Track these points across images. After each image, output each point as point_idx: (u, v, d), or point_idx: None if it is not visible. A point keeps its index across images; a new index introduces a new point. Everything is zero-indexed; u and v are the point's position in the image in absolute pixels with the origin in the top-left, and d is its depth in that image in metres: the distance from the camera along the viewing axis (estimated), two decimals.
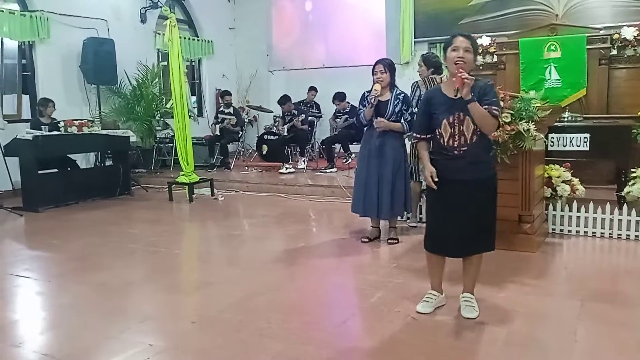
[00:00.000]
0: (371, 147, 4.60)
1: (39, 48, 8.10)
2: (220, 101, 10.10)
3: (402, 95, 4.58)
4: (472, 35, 3.05)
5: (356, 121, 4.87)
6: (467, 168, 2.92)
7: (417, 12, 9.86)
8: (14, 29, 7.61)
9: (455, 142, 2.93)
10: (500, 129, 4.06)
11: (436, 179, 2.97)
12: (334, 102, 9.25)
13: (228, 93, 9.86)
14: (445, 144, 2.96)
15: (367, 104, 4.56)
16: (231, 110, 9.68)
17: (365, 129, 4.76)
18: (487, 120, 2.87)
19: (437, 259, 3.16)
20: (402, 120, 4.54)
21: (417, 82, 5.10)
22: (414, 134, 3.14)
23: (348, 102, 9.08)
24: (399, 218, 4.97)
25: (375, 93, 4.43)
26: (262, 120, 11.01)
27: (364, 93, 4.68)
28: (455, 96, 2.84)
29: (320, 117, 10.01)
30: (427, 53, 5.50)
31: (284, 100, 9.09)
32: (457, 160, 2.94)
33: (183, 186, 7.28)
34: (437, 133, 2.98)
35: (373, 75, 4.55)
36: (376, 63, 4.59)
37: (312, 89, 10.17)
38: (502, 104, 4.09)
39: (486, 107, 2.86)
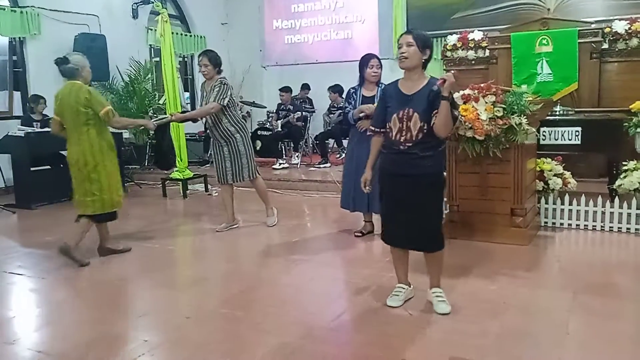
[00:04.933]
0: (359, 142, 4.57)
1: (29, 44, 8.05)
2: None
3: None
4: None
5: (343, 119, 4.88)
6: (411, 163, 2.97)
7: (410, 7, 9.87)
8: (5, 25, 7.55)
9: (402, 137, 2.98)
10: (493, 122, 4.11)
11: (369, 187, 3.25)
12: (328, 90, 9.25)
13: None
14: (393, 138, 3.02)
15: (352, 102, 4.59)
16: None
17: (352, 125, 4.75)
18: (449, 123, 2.90)
19: (399, 252, 3.22)
20: None
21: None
22: (370, 127, 3.25)
23: (342, 97, 9.08)
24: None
25: (373, 109, 4.40)
26: (255, 115, 10.99)
27: (349, 90, 4.70)
28: (432, 90, 2.89)
29: (313, 112, 10.01)
30: None
31: (286, 89, 9.12)
32: (402, 155, 2.99)
33: (177, 182, 7.28)
34: (388, 127, 3.05)
35: (366, 68, 4.52)
36: (371, 57, 4.57)
37: (305, 87, 10.17)
38: (494, 98, 4.13)
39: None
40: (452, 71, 2.97)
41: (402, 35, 3.05)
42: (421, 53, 2.98)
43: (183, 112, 6.78)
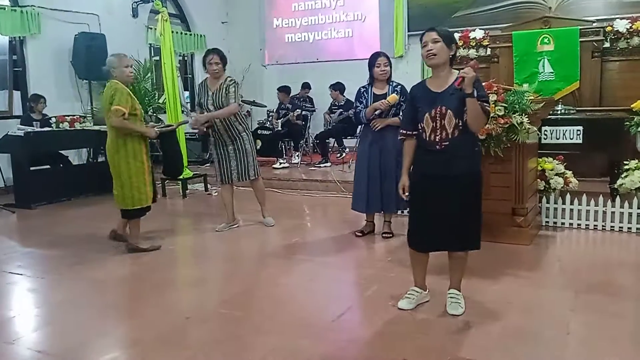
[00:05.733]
0: (371, 142, 4.57)
1: (30, 43, 8.03)
2: None
3: (399, 87, 4.52)
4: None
5: (354, 118, 4.83)
6: (448, 163, 2.88)
7: (411, 6, 9.86)
8: (5, 24, 7.53)
9: (437, 137, 2.89)
10: (494, 121, 4.09)
11: (407, 193, 3.06)
12: (329, 88, 9.23)
13: None
14: (427, 138, 2.93)
15: (363, 100, 4.55)
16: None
17: (363, 125, 4.73)
18: (480, 118, 2.83)
19: (420, 256, 3.13)
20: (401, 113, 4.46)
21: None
22: (400, 131, 3.13)
23: (344, 96, 9.06)
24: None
25: (387, 104, 4.39)
26: (255, 115, 10.98)
27: (360, 89, 4.65)
28: (452, 94, 2.83)
29: (314, 111, 10.00)
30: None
31: (284, 89, 9.10)
32: (438, 155, 2.90)
33: (176, 182, 7.26)
34: (420, 127, 2.96)
35: (374, 67, 4.50)
36: (378, 55, 4.55)
37: (306, 86, 10.15)
38: (495, 97, 4.12)
39: (479, 102, 2.80)
40: (474, 59, 2.85)
41: (425, 32, 2.93)
42: (448, 49, 2.89)
43: (194, 113, 6.51)
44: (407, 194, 3.07)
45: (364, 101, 4.56)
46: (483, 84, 4.12)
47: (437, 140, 2.89)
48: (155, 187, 4.56)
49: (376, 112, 4.46)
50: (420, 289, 3.19)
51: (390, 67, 4.55)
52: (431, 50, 2.86)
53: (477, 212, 3.01)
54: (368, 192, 4.61)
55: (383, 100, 4.41)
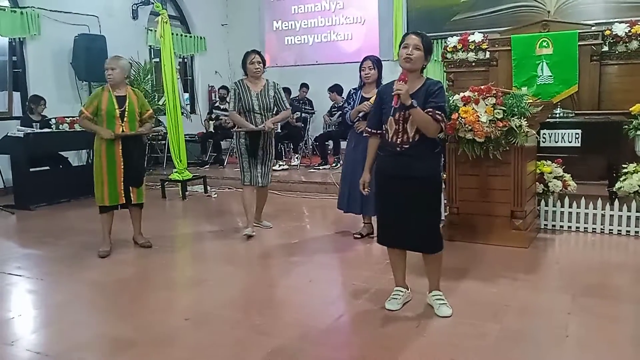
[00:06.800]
0: (355, 144, 4.61)
1: (29, 45, 8.04)
2: (214, 97, 10.07)
3: None
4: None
5: (342, 120, 4.92)
6: (408, 165, 2.95)
7: (410, 9, 9.88)
8: (5, 25, 7.54)
9: (398, 139, 2.95)
10: (493, 124, 4.10)
11: (367, 189, 3.21)
12: (328, 91, 9.24)
13: (224, 88, 9.84)
14: (390, 140, 2.99)
15: (352, 102, 4.61)
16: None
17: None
18: (429, 126, 2.87)
19: (396, 254, 3.19)
20: None
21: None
22: (366, 128, 3.21)
23: (342, 97, 9.06)
24: None
25: (370, 106, 4.41)
26: None
27: (350, 91, 4.73)
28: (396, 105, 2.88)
29: (313, 113, 10.00)
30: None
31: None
32: (398, 157, 2.97)
33: (176, 183, 7.27)
34: (384, 129, 3.03)
35: (360, 71, 4.56)
36: (364, 59, 4.60)
37: (304, 85, 10.16)
38: (494, 100, 4.12)
39: (429, 110, 2.86)
40: (402, 72, 2.92)
41: (409, 34, 2.98)
42: (425, 59, 2.96)
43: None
44: (367, 190, 3.21)
45: (352, 103, 4.62)
46: (482, 87, 4.19)
47: (398, 142, 2.96)
48: (128, 191, 4.46)
49: (360, 115, 4.49)
50: (403, 288, 3.24)
51: (379, 71, 4.56)
52: (410, 55, 2.91)
53: (435, 214, 3.09)
54: (349, 192, 4.67)
55: (366, 103, 4.43)
